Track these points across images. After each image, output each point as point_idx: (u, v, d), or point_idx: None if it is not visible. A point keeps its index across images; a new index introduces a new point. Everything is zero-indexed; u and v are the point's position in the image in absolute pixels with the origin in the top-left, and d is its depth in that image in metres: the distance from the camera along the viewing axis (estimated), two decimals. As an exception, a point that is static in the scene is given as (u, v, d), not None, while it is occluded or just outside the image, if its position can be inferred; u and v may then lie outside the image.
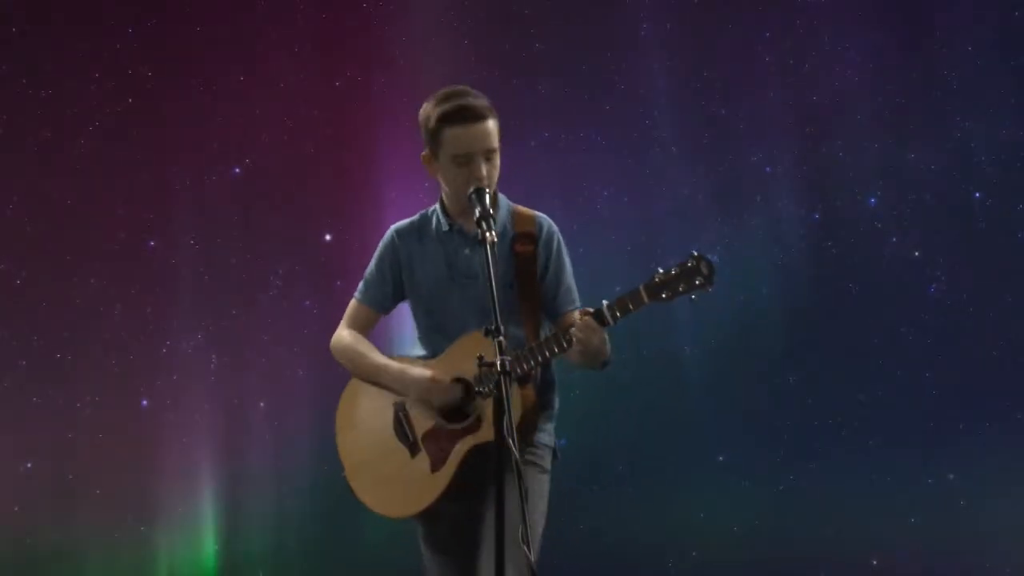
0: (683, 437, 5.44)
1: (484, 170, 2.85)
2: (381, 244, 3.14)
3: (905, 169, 5.46)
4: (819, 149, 5.56)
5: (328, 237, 5.71)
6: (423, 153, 2.97)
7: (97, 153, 5.56)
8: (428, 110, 2.93)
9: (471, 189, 2.75)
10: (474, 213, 2.69)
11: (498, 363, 2.44)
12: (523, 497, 2.35)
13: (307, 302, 5.66)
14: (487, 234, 2.59)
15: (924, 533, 5.18)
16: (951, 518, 5.20)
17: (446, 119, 2.86)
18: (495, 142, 2.89)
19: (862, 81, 5.52)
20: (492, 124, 2.88)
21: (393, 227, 3.14)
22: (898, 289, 5.41)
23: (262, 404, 5.65)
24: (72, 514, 5.38)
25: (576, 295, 3.08)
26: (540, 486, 2.97)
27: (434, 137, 2.90)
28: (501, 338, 2.47)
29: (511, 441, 2.38)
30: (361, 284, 3.18)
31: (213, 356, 5.62)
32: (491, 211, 2.68)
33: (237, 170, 5.72)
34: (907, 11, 5.49)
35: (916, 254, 5.45)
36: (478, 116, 2.86)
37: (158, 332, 5.58)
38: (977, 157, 5.38)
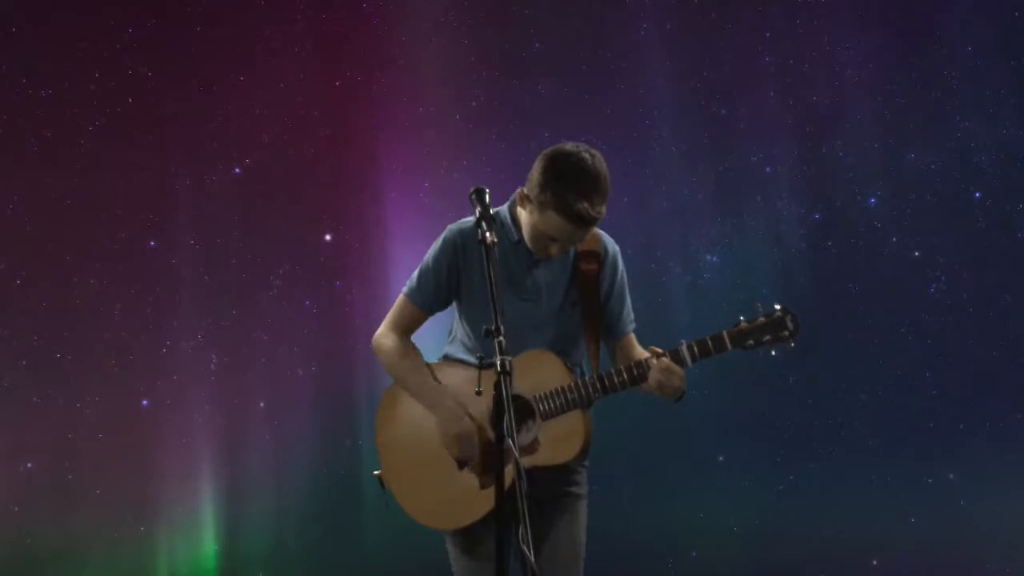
0: (683, 437, 5.43)
1: (558, 250, 2.83)
2: (440, 242, 2.96)
3: (905, 169, 5.47)
4: (819, 149, 5.56)
5: (328, 237, 5.71)
6: (523, 191, 2.83)
7: (97, 153, 5.56)
8: (546, 179, 2.74)
9: (471, 189, 2.72)
10: (475, 213, 2.65)
11: (497, 362, 2.42)
12: (522, 497, 2.35)
13: (307, 302, 5.65)
14: (487, 234, 2.56)
15: (924, 533, 5.18)
16: (951, 518, 5.20)
17: (559, 206, 2.72)
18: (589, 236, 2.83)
19: (862, 81, 5.53)
20: (595, 228, 2.80)
21: (455, 227, 2.96)
22: (898, 289, 5.42)
23: (262, 404, 5.64)
24: (72, 514, 5.38)
25: (633, 317, 3.07)
26: (583, 513, 2.98)
27: (538, 201, 2.77)
28: (501, 339, 2.45)
29: (511, 441, 2.37)
30: (413, 281, 3.00)
31: (213, 356, 5.62)
32: (491, 212, 2.64)
33: (237, 170, 5.72)
34: (907, 11, 5.50)
35: (916, 254, 5.45)
36: (587, 224, 2.75)
37: (158, 332, 5.58)
38: (977, 157, 5.38)
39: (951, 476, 5.29)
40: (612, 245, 3.02)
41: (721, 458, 5.52)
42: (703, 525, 5.46)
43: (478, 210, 2.65)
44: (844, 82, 5.55)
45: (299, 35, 5.75)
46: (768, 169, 5.61)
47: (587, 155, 2.76)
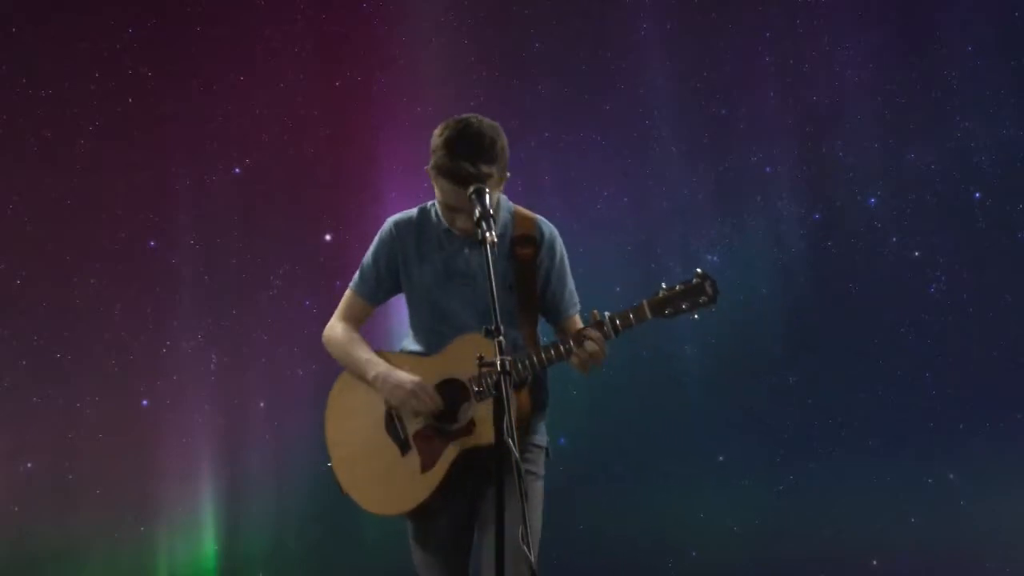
0: (683, 437, 5.44)
1: (459, 223, 2.88)
2: (378, 235, 3.10)
3: (905, 169, 5.47)
4: (819, 149, 5.56)
5: (328, 237, 5.71)
6: (427, 167, 2.90)
7: (97, 153, 5.55)
8: (434, 143, 2.85)
9: (471, 189, 2.72)
10: (474, 213, 2.65)
11: (498, 363, 2.43)
12: (523, 497, 2.35)
13: (307, 302, 5.65)
14: (487, 234, 2.55)
15: (924, 533, 5.18)
16: (951, 518, 5.20)
17: (440, 168, 2.81)
18: (487, 193, 2.74)
19: (862, 81, 5.53)
20: (483, 185, 2.72)
21: (391, 219, 3.10)
22: (898, 289, 5.42)
23: (262, 404, 5.64)
24: (72, 514, 5.38)
25: (577, 298, 3.08)
26: (537, 492, 2.96)
27: (430, 171, 2.86)
28: (501, 338, 2.45)
29: (511, 442, 2.37)
30: (356, 274, 3.14)
31: (213, 356, 5.62)
32: (491, 212, 2.64)
33: (237, 170, 5.71)
34: (907, 11, 5.49)
35: (916, 254, 5.45)
36: (465, 181, 2.75)
37: (158, 332, 5.58)
38: (977, 157, 5.38)
39: (951, 476, 5.29)
40: (549, 228, 3.04)
41: (721, 458, 5.52)
42: (703, 525, 5.46)
43: (478, 210, 2.65)
44: (844, 82, 5.55)
45: (299, 35, 5.75)
46: (768, 169, 5.61)
47: (472, 119, 2.84)
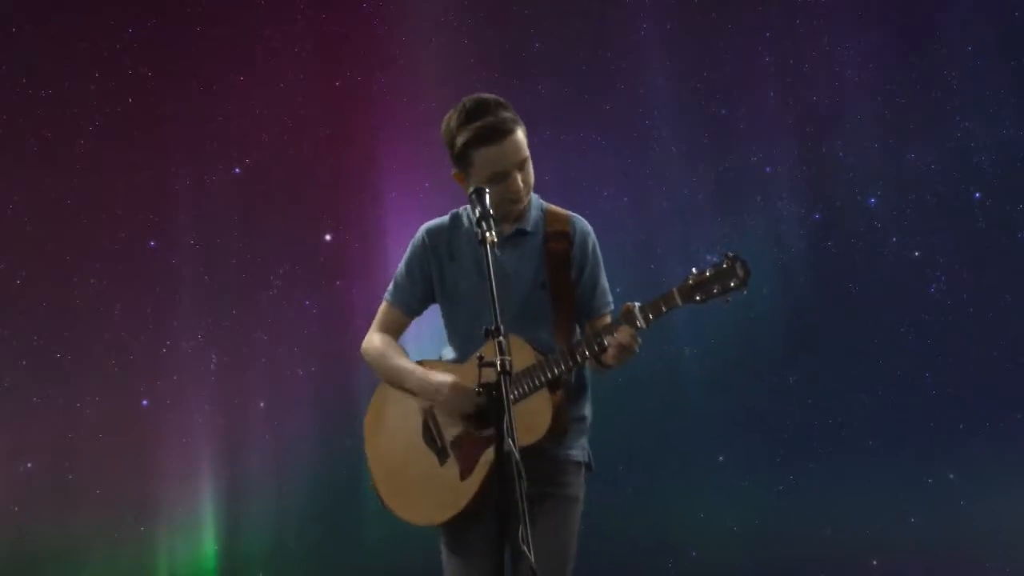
0: (683, 437, 5.43)
1: (519, 181, 2.82)
2: (411, 244, 3.04)
3: (905, 169, 5.46)
4: (819, 149, 5.56)
5: (328, 237, 5.71)
6: (454, 173, 2.90)
7: (97, 153, 5.56)
8: (452, 130, 2.84)
9: (471, 189, 2.72)
10: (475, 213, 2.65)
11: (497, 363, 2.41)
12: (522, 498, 2.33)
13: (307, 302, 5.65)
14: (487, 234, 2.54)
15: (924, 533, 5.18)
16: (951, 518, 5.19)
17: (475, 141, 2.79)
18: (526, 150, 2.83)
19: (862, 81, 5.52)
20: (521, 134, 2.82)
21: (424, 227, 3.05)
22: (898, 289, 5.41)
23: (262, 404, 5.65)
24: (72, 514, 5.38)
25: (610, 297, 3.03)
26: (572, 519, 2.89)
27: (463, 159, 2.83)
28: (501, 338, 2.43)
29: (511, 442, 2.36)
30: (391, 285, 3.08)
31: (213, 356, 5.63)
32: (491, 211, 2.63)
33: (237, 170, 5.72)
34: (907, 11, 5.49)
35: (916, 254, 5.45)
36: (507, 131, 2.79)
37: (158, 332, 5.59)
38: (977, 157, 5.38)
39: (951, 476, 5.29)
40: (582, 223, 3.01)
41: (721, 458, 5.52)
42: (703, 525, 5.46)
43: (478, 210, 2.65)
44: (844, 82, 5.55)
45: (299, 35, 5.75)
46: (768, 169, 5.61)
47: (464, 100, 2.86)
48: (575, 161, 5.63)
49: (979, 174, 5.38)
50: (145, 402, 5.56)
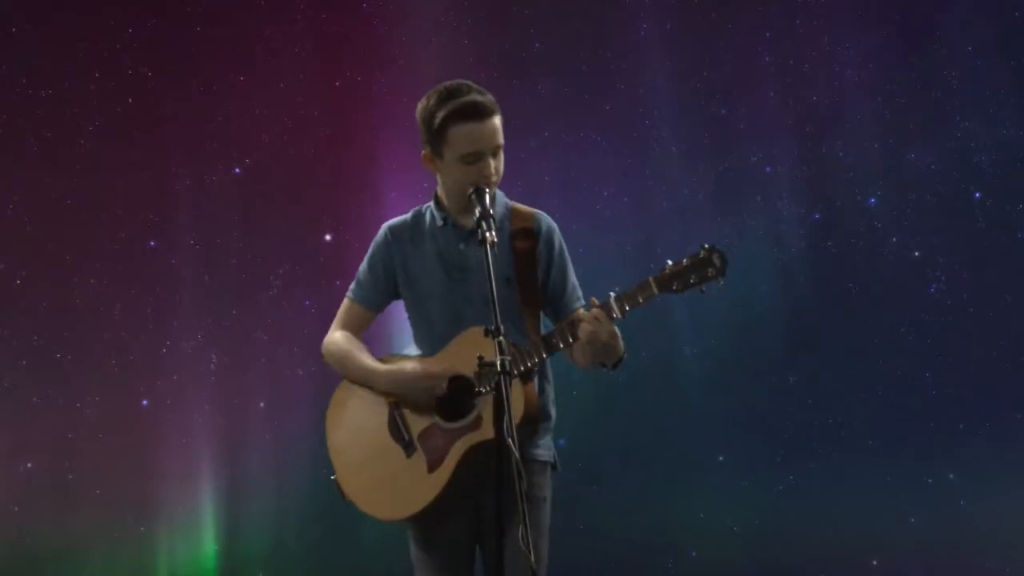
0: (683, 437, 5.44)
1: (492, 167, 2.80)
2: (374, 242, 3.06)
3: (905, 169, 5.46)
4: (819, 149, 5.56)
5: (328, 237, 5.71)
6: (424, 152, 2.89)
7: (97, 153, 5.55)
8: (430, 107, 2.82)
9: (471, 189, 2.73)
10: (474, 213, 2.66)
11: (498, 363, 2.41)
12: (522, 497, 2.33)
13: (307, 302, 5.65)
14: (488, 234, 2.55)
15: (924, 533, 5.18)
16: (951, 518, 5.20)
17: (454, 116, 2.77)
18: (502, 138, 2.82)
19: (862, 81, 5.52)
20: (499, 120, 2.81)
21: (386, 225, 3.07)
22: (898, 289, 5.42)
23: (262, 404, 5.64)
24: (72, 514, 5.38)
25: (580, 292, 3.02)
26: (542, 518, 2.87)
27: (438, 135, 2.80)
28: (501, 338, 2.43)
29: (511, 441, 2.36)
30: (353, 283, 3.10)
31: (213, 356, 5.62)
32: (491, 211, 2.65)
33: (237, 170, 5.71)
34: (907, 11, 5.49)
35: (916, 254, 5.45)
36: (487, 112, 2.79)
37: (158, 332, 5.58)
38: (977, 157, 5.38)
39: (951, 476, 5.29)
40: (547, 220, 3.00)
41: (721, 458, 5.52)
42: (703, 525, 5.46)
43: (478, 210, 2.65)
44: (844, 82, 5.55)
45: (299, 35, 5.75)
46: (768, 169, 5.61)
47: (440, 85, 2.86)
48: (575, 161, 5.63)
49: (979, 174, 5.38)
50: (145, 402, 5.56)
